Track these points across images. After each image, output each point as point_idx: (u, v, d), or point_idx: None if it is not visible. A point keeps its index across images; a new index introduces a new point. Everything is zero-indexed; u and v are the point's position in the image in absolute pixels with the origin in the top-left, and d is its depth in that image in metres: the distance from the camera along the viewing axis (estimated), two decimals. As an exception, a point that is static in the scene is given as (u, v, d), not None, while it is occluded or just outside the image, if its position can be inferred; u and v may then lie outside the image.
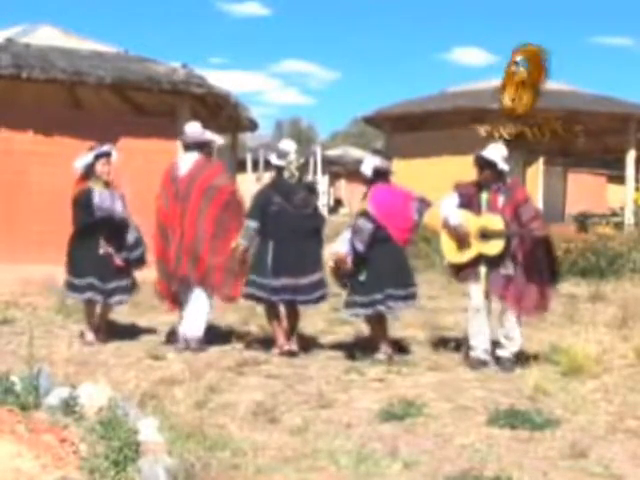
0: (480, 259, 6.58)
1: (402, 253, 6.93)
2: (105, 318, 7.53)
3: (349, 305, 6.87)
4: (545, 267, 6.62)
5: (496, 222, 6.52)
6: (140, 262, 7.48)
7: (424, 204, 6.92)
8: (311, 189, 7.33)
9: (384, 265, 6.72)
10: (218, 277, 7.09)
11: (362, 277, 6.75)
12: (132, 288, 7.52)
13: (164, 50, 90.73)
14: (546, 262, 6.64)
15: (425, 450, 4.49)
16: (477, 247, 6.56)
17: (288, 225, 6.92)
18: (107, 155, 7.31)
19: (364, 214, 6.78)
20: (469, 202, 6.64)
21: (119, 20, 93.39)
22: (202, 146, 7.34)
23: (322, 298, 7.09)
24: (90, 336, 7.31)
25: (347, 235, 6.85)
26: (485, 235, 6.53)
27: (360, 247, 6.71)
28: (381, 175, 6.85)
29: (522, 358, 6.63)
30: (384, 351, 6.79)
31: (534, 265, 6.53)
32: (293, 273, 6.89)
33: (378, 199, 6.79)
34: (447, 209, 6.70)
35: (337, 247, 6.88)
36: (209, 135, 7.48)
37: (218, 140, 7.73)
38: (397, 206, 6.83)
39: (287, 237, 6.92)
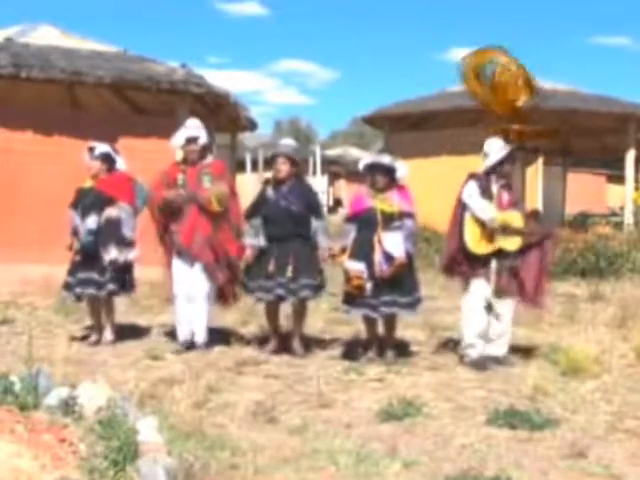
0: (493, 254, 6.53)
1: None
2: (110, 317, 7.48)
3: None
4: (546, 263, 6.72)
5: (517, 219, 6.57)
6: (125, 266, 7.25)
7: None
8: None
9: None
10: None
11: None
12: (110, 283, 7.20)
13: (163, 50, 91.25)
14: (548, 258, 6.76)
15: (425, 450, 4.49)
16: (499, 242, 6.51)
17: None
18: (102, 154, 7.37)
19: (410, 215, 6.66)
20: (483, 193, 6.58)
21: (118, 20, 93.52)
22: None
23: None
24: (95, 336, 7.35)
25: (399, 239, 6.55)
26: (505, 230, 6.50)
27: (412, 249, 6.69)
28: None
29: (522, 358, 6.64)
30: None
31: (539, 260, 6.63)
32: None
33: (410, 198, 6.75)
34: (477, 200, 6.54)
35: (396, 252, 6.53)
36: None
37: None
38: None
39: None
